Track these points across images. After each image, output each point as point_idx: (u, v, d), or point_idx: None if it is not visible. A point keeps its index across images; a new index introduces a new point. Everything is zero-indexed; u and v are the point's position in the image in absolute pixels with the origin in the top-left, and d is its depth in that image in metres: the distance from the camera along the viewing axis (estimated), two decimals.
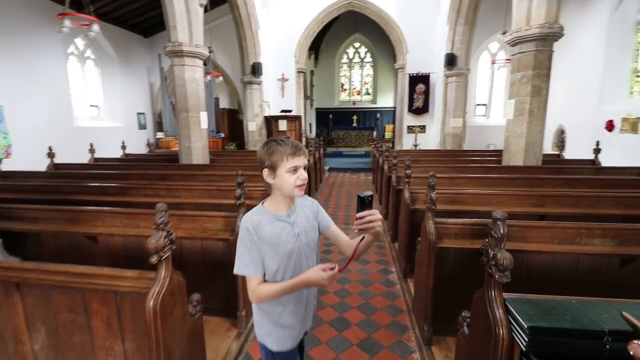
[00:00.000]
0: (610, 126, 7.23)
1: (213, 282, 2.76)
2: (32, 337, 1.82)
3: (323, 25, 11.98)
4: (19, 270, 1.75)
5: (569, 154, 6.92)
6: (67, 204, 3.39)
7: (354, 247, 1.26)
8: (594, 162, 5.88)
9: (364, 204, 1.13)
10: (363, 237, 1.22)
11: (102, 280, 1.63)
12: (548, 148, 8.44)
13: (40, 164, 5.90)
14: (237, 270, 1.30)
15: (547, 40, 4.94)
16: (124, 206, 3.38)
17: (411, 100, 11.45)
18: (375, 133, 16.32)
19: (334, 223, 1.47)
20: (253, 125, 10.86)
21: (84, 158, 6.64)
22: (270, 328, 1.37)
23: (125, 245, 2.80)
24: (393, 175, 4.58)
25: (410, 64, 11.35)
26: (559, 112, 8.62)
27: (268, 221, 1.29)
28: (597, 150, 5.81)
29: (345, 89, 19.13)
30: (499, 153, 6.94)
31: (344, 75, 19.00)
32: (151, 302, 1.50)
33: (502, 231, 1.30)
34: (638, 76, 7.04)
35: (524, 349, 1.15)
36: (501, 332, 1.25)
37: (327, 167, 11.52)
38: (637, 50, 7.04)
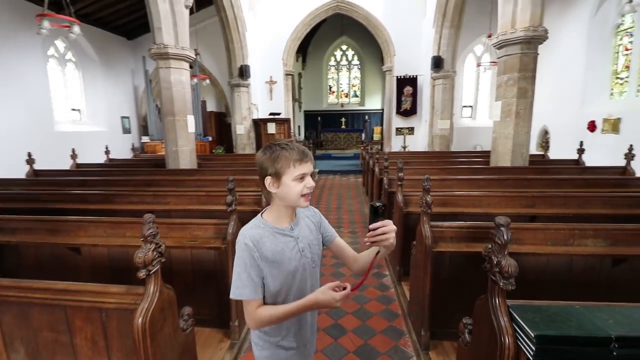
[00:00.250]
0: (592, 127, 7.43)
1: (204, 292, 2.66)
2: (11, 358, 1.71)
3: (311, 28, 11.97)
4: None
5: (553, 154, 7.07)
6: (48, 213, 3.24)
7: (369, 263, 1.16)
8: (577, 162, 6.01)
9: (377, 214, 1.06)
10: (378, 252, 1.14)
11: (86, 297, 1.53)
12: (532, 148, 8.62)
13: (19, 171, 5.65)
14: (235, 294, 1.13)
15: (532, 43, 5.03)
16: (108, 214, 3.26)
17: (399, 102, 11.54)
18: (363, 135, 16.39)
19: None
20: (241, 129, 10.73)
21: (66, 164, 6.40)
22: (271, 352, 1.22)
23: (110, 256, 2.68)
24: (385, 178, 4.57)
25: (398, 66, 11.44)
26: (542, 113, 8.81)
27: (269, 236, 1.15)
28: (580, 151, 5.94)
29: (334, 92, 19.18)
30: (486, 154, 7.03)
31: (332, 77, 19.05)
32: (140, 319, 1.41)
33: (505, 237, 1.28)
34: (618, 78, 7.26)
35: (531, 358, 1.12)
36: (507, 340, 1.22)
37: (316, 170, 11.48)
38: (617, 53, 7.26)
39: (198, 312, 2.21)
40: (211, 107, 13.12)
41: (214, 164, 7.06)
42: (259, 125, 11.02)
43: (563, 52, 8.24)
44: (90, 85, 9.65)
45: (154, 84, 10.78)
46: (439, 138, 10.07)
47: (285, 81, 11.94)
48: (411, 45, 11.19)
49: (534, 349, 1.10)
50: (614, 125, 6.84)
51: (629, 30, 6.92)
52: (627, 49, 7.00)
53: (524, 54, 5.06)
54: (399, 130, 11.70)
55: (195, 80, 9.07)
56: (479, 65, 10.42)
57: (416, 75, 11.19)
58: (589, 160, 6.00)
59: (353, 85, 19.07)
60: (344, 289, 1.06)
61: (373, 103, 18.65)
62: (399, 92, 11.46)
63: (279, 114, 11.23)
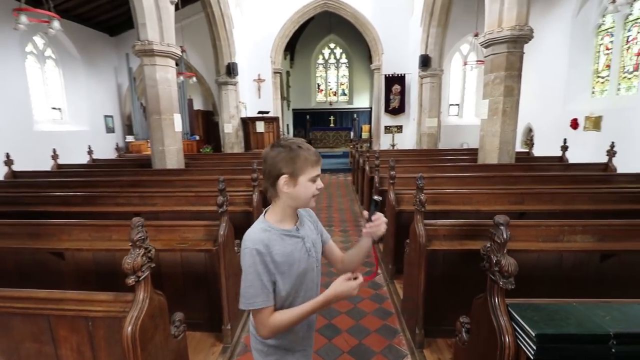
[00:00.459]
0: (574, 124, 7.62)
1: (195, 296, 2.60)
2: None
3: (299, 26, 11.89)
4: None
5: (537, 151, 7.22)
6: (28, 216, 3.11)
7: (361, 256, 1.25)
8: (561, 158, 6.15)
9: (376, 207, 1.17)
10: (374, 240, 1.22)
11: (70, 306, 1.46)
12: (517, 146, 8.79)
13: None
14: (246, 304, 1.07)
15: (518, 42, 5.11)
16: (92, 217, 3.15)
17: (387, 100, 11.59)
18: (352, 133, 16.42)
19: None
20: (229, 127, 10.59)
21: (46, 165, 6.17)
22: (278, 356, 1.18)
23: (96, 261, 2.58)
24: (376, 176, 4.56)
25: (386, 65, 11.48)
26: (526, 111, 8.97)
27: (277, 238, 1.10)
28: (564, 148, 6.08)
29: (322, 90, 19.13)
30: (473, 151, 7.14)
31: (320, 76, 18.99)
32: (129, 328, 1.35)
33: (504, 236, 1.27)
34: (599, 77, 7.46)
35: (531, 357, 1.12)
36: (507, 340, 1.22)
37: None
38: (598, 52, 7.46)
39: (188, 316, 2.15)
40: (198, 105, 12.89)
41: (202, 163, 6.93)
42: (247, 124, 10.89)
43: (546, 51, 8.42)
44: (71, 83, 9.33)
45: (139, 82, 10.51)
46: (427, 136, 10.17)
47: (274, 79, 11.84)
48: (399, 44, 11.24)
49: (534, 348, 1.10)
50: (596, 123, 7.03)
51: (609, 30, 7.11)
52: (607, 49, 7.19)
53: (510, 52, 5.13)
54: (387, 129, 11.76)
55: (181, 78, 8.89)
56: (465, 64, 10.56)
57: (404, 74, 11.25)
58: (572, 157, 6.15)
59: (341, 84, 19.06)
60: (355, 279, 1.10)
61: (361, 101, 18.69)
62: (388, 91, 11.51)
63: (267, 112, 11.13)
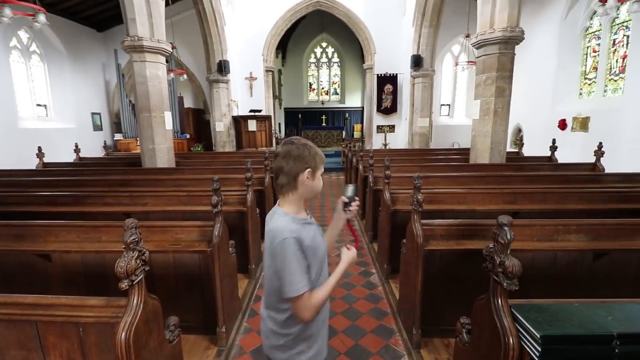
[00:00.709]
0: (562, 125, 7.76)
1: (188, 298, 2.54)
2: None
3: (291, 24, 11.81)
4: None
5: (526, 151, 7.33)
6: (13, 217, 3.00)
7: (350, 229, 1.46)
8: (550, 158, 6.25)
9: (355, 193, 1.41)
10: (348, 219, 1.42)
11: (60, 311, 1.39)
12: (507, 146, 8.91)
13: None
14: (294, 291, 1.13)
15: (509, 43, 5.16)
16: (80, 217, 3.05)
17: (380, 100, 11.62)
18: (344, 133, 16.43)
19: None
20: (221, 126, 10.46)
21: (31, 163, 5.98)
22: (303, 347, 1.25)
23: (85, 263, 2.50)
24: (370, 176, 4.55)
25: (379, 64, 11.50)
26: (516, 112, 9.11)
27: (302, 227, 1.20)
28: (553, 148, 6.17)
29: (314, 89, 19.08)
30: (463, 151, 7.21)
31: (312, 74, 18.94)
32: (123, 335, 1.29)
33: (508, 237, 1.26)
34: (586, 78, 7.62)
35: (536, 358, 1.11)
36: (511, 341, 1.21)
37: None
38: (585, 54, 7.61)
39: (182, 319, 2.09)
40: (188, 103, 12.70)
41: (193, 162, 6.82)
42: (239, 122, 10.77)
43: (535, 53, 8.55)
44: (57, 79, 9.07)
45: (127, 79, 10.29)
46: (418, 136, 10.23)
47: (266, 77, 11.74)
48: (391, 44, 11.27)
49: (539, 349, 1.10)
50: (583, 124, 7.17)
51: (596, 32, 7.26)
52: (594, 51, 7.34)
53: (501, 53, 5.18)
54: (380, 128, 11.79)
55: (171, 75, 8.73)
56: (456, 64, 10.66)
57: (396, 74, 11.29)
58: (560, 157, 6.26)
59: (333, 83, 19.05)
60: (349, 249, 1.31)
61: (353, 101, 18.72)
62: (380, 90, 11.53)
63: (259, 111, 11.02)
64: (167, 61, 5.91)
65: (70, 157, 6.80)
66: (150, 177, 4.72)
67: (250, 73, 11.46)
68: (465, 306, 2.32)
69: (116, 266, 1.31)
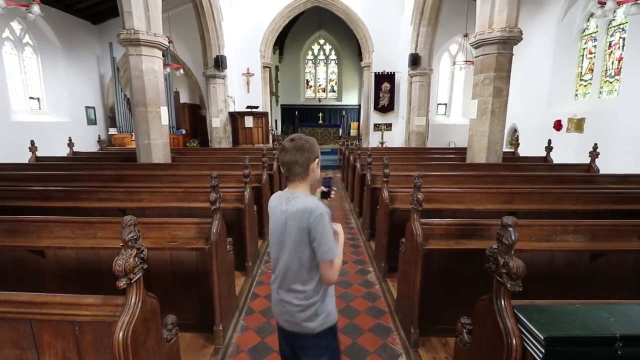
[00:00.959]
0: (558, 126, 7.82)
1: (185, 296, 2.51)
2: None
3: (289, 20, 11.72)
4: None
5: (521, 151, 7.37)
6: (5, 212, 2.94)
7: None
8: (546, 159, 6.29)
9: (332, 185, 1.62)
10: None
11: (55, 310, 1.36)
12: (503, 146, 8.96)
13: None
14: (332, 255, 1.37)
15: (507, 43, 5.17)
16: (74, 213, 3.01)
17: (377, 98, 11.61)
18: (341, 130, 16.41)
19: None
20: (217, 122, 10.37)
21: (24, 157, 5.88)
22: (330, 302, 1.49)
23: (79, 260, 2.46)
24: (368, 174, 4.55)
25: (376, 62, 11.48)
26: (512, 112, 9.15)
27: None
28: (549, 148, 6.22)
29: (311, 86, 19.01)
30: (460, 150, 7.23)
31: (309, 72, 18.86)
32: (120, 334, 1.27)
33: (513, 238, 1.26)
34: (582, 80, 7.67)
35: None
36: (514, 342, 1.21)
37: None
38: (581, 56, 7.66)
39: (178, 317, 2.07)
40: (184, 98, 12.58)
41: (189, 158, 6.76)
42: (235, 118, 10.70)
43: (532, 54, 8.59)
44: (50, 71, 8.91)
45: (122, 72, 10.16)
46: (415, 134, 10.24)
47: (263, 74, 11.66)
48: (389, 42, 11.25)
49: (543, 351, 1.09)
50: (578, 125, 7.23)
51: (593, 34, 7.31)
52: (590, 53, 7.40)
53: (500, 54, 5.19)
54: (377, 126, 11.79)
55: (168, 69, 8.63)
56: (454, 64, 10.67)
57: (394, 72, 11.28)
58: (555, 157, 6.31)
59: (330, 80, 18.98)
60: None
61: (350, 98, 18.68)
62: (377, 88, 11.52)
63: (256, 107, 10.95)
64: (163, 55, 5.84)
65: (64, 151, 6.70)
66: (145, 173, 4.66)
67: (248, 69, 11.38)
68: (463, 306, 2.33)
69: (114, 264, 1.28)
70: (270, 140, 11.40)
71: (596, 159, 5.30)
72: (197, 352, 2.39)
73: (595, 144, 5.31)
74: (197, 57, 10.55)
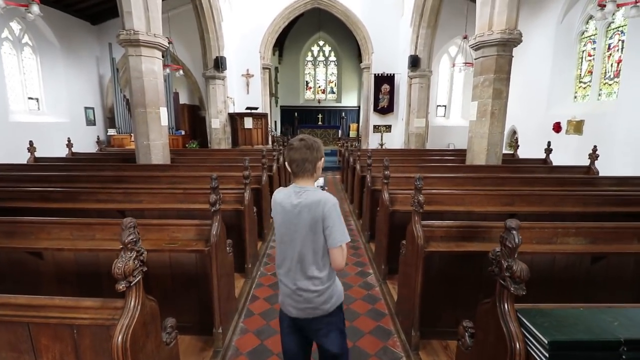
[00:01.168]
0: (557, 128, 7.83)
1: (184, 298, 2.49)
2: None
3: (289, 21, 11.73)
4: None
5: (520, 153, 7.38)
6: (3, 213, 2.92)
7: None
8: (545, 161, 6.30)
9: (325, 184, 1.75)
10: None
11: (53, 313, 1.35)
12: (503, 148, 8.96)
13: None
14: (344, 240, 1.51)
15: (507, 45, 5.18)
16: (73, 214, 2.98)
17: (377, 100, 11.62)
18: (340, 132, 16.42)
19: None
20: (217, 123, 10.36)
21: (22, 157, 5.86)
22: (338, 283, 1.68)
23: (78, 261, 2.44)
24: (368, 175, 4.54)
25: (376, 64, 11.49)
26: (511, 114, 9.17)
27: None
28: (548, 151, 6.22)
29: (310, 87, 19.01)
30: (459, 152, 7.23)
31: (309, 73, 18.87)
32: (119, 337, 1.25)
33: (516, 241, 1.25)
34: (581, 82, 7.69)
35: None
36: (517, 346, 1.20)
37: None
38: (581, 58, 7.68)
39: (178, 319, 2.05)
40: (184, 99, 12.56)
41: (189, 159, 6.75)
42: (235, 119, 10.69)
43: (532, 56, 8.61)
44: (49, 72, 8.89)
45: (122, 73, 10.14)
46: (414, 136, 10.24)
47: (263, 75, 11.66)
48: (389, 44, 11.26)
49: (547, 355, 1.08)
50: (577, 127, 7.24)
51: (592, 37, 7.33)
52: (590, 55, 7.41)
53: (499, 55, 5.19)
54: (376, 128, 11.79)
55: (167, 70, 8.62)
56: (453, 65, 10.68)
57: (394, 74, 11.30)
58: (554, 159, 6.32)
59: (330, 82, 19.00)
60: None
61: (349, 100, 18.70)
62: (377, 90, 11.53)
63: (256, 108, 10.94)
64: (163, 56, 5.83)
65: (63, 152, 6.68)
66: (145, 174, 4.64)
67: (247, 70, 11.38)
68: (464, 308, 2.33)
69: (114, 267, 1.26)
70: (270, 142, 11.39)
71: (595, 161, 5.30)
72: (197, 355, 2.37)
73: (595, 146, 5.32)
74: (197, 58, 10.54)
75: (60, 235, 2.40)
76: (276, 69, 16.98)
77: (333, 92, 19.07)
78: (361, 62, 12.31)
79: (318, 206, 1.48)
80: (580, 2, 7.45)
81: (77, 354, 1.38)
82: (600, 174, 5.19)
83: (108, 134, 10.55)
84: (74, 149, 6.75)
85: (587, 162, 5.36)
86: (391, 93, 11.50)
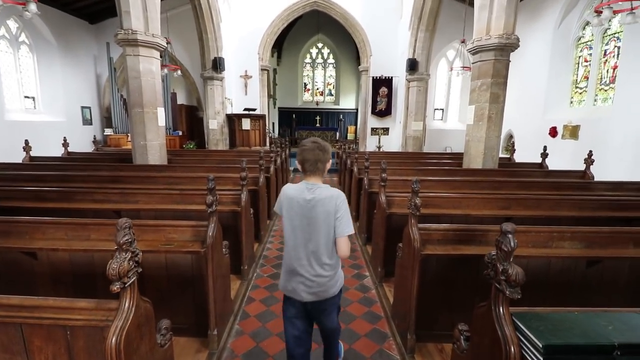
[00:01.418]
0: (553, 132, 7.89)
1: (180, 299, 2.48)
2: None
3: (287, 23, 11.76)
4: None
5: (517, 157, 7.42)
6: None
7: None
8: (541, 165, 6.33)
9: None
10: None
11: (47, 314, 1.33)
12: (499, 151, 8.99)
13: None
14: (352, 230, 1.73)
15: (504, 50, 5.21)
16: (68, 214, 2.96)
17: (375, 102, 11.65)
18: (338, 134, 16.45)
19: None
20: (214, 124, 10.34)
21: (18, 157, 5.81)
22: (341, 272, 1.91)
23: (73, 262, 2.42)
24: (365, 178, 4.54)
25: (374, 67, 11.53)
26: (508, 118, 9.22)
27: None
28: (544, 155, 6.26)
29: (309, 89, 19.05)
30: (456, 156, 7.26)
31: (307, 75, 18.90)
32: (113, 339, 1.24)
33: (512, 244, 1.25)
34: (577, 87, 7.76)
35: None
36: (512, 350, 1.20)
37: (291, 168, 11.32)
38: (577, 63, 7.75)
39: (173, 321, 2.03)
40: (181, 100, 12.54)
41: (186, 160, 6.73)
42: (233, 120, 10.67)
43: (529, 60, 8.68)
44: (46, 71, 8.85)
45: (119, 73, 10.11)
46: (412, 139, 10.27)
47: (261, 76, 11.66)
48: (387, 47, 11.31)
49: (542, 359, 1.09)
50: (573, 132, 7.30)
51: (588, 42, 7.40)
52: (586, 61, 7.48)
53: (497, 60, 5.23)
54: (374, 131, 11.82)
55: (165, 70, 8.60)
56: (451, 69, 10.74)
57: (391, 77, 11.34)
58: (550, 164, 6.35)
59: (328, 84, 19.04)
60: None
61: (347, 102, 18.74)
62: (375, 93, 11.56)
63: (254, 109, 10.94)
64: (161, 56, 5.82)
65: (59, 151, 6.64)
66: (141, 174, 4.62)
67: (246, 71, 11.37)
68: (460, 312, 2.33)
69: (108, 268, 1.26)
70: (268, 143, 11.39)
71: (591, 166, 5.34)
72: (191, 357, 2.35)
73: (590, 151, 5.36)
74: (195, 58, 10.53)
75: (55, 235, 2.38)
76: (274, 70, 17.00)
77: (331, 95, 19.12)
78: (359, 64, 12.35)
79: (331, 200, 1.67)
80: (577, 8, 7.53)
81: (70, 355, 1.37)
82: (596, 179, 5.23)
83: (105, 133, 10.50)
84: (70, 149, 6.71)
85: (582, 167, 5.40)
86: (389, 96, 11.54)
